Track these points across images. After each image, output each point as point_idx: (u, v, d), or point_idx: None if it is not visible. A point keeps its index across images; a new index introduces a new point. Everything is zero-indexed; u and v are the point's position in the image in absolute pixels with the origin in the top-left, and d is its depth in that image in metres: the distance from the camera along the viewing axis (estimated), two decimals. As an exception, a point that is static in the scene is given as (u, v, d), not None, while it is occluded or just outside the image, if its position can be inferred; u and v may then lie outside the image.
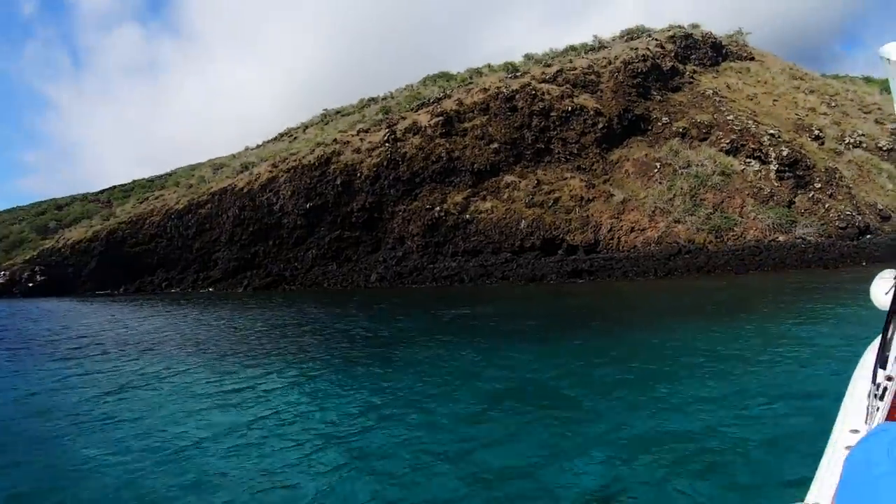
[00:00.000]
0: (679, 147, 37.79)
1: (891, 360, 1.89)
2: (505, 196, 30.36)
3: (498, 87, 32.61)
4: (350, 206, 29.51)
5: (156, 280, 32.24)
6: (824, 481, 1.74)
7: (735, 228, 34.62)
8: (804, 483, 1.71)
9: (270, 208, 29.95)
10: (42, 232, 36.40)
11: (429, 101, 32.11)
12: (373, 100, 36.37)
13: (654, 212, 34.15)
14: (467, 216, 29.41)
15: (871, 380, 1.94)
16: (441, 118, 31.05)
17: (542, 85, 33.82)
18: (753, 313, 14.48)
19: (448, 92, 32.68)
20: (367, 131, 30.89)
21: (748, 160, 38.60)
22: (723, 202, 36.01)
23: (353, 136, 30.81)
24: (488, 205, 29.83)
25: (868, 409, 1.94)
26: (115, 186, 38.00)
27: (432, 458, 5.89)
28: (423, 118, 31.31)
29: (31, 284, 37.00)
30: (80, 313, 25.41)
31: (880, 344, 1.97)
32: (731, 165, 38.11)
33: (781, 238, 34.46)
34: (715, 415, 6.59)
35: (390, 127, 30.55)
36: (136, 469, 6.11)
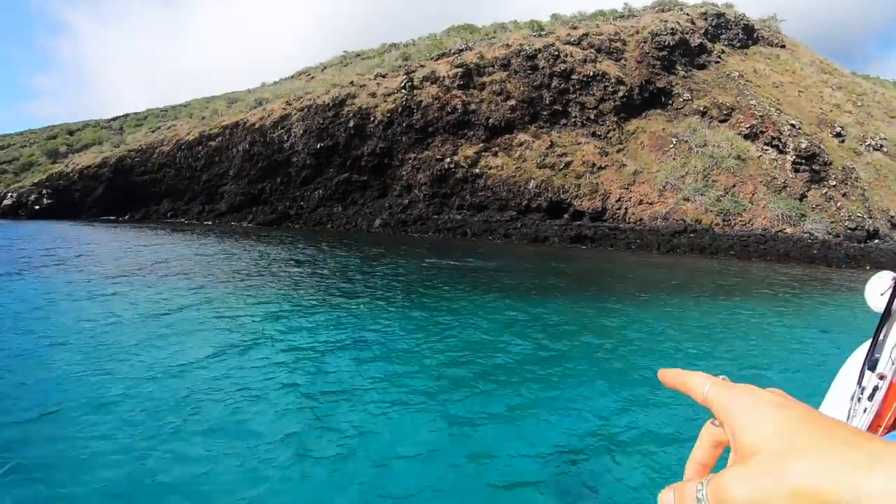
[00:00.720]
0: (698, 125, 37.22)
1: (882, 361, 1.78)
2: (517, 154, 30.09)
3: (521, 45, 31.92)
4: (361, 149, 29.31)
5: (161, 209, 32.37)
6: None
7: (744, 214, 34.39)
8: None
9: (281, 145, 29.78)
10: (52, 156, 36.29)
11: (450, 51, 31.52)
12: (394, 46, 35.61)
13: (664, 187, 33.87)
14: (477, 170, 29.22)
15: (856, 382, 1.82)
16: (460, 70, 30.52)
17: (566, 47, 33.09)
18: (746, 299, 14.23)
19: (470, 44, 32.02)
20: (384, 76, 30.42)
21: (766, 147, 38.05)
22: (735, 186, 35.67)
23: (370, 79, 30.38)
24: (499, 161, 29.60)
25: (850, 411, 1.77)
26: (128, 114, 37.67)
27: (405, 393, 6.21)
28: (443, 68, 30.78)
29: (37, 207, 37.15)
30: (90, 237, 25.68)
31: (871, 345, 1.90)
32: (748, 150, 37.60)
33: (789, 230, 34.25)
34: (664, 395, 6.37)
35: (408, 74, 30.08)
36: (129, 377, 6.39)
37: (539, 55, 32.38)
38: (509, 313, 10.68)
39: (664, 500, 0.48)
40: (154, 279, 13.36)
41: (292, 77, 35.45)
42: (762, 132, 39.00)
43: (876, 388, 1.61)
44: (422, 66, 31.09)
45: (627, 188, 32.60)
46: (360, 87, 30.01)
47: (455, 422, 5.57)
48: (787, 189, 36.98)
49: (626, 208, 32.17)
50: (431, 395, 6.25)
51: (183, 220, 31.75)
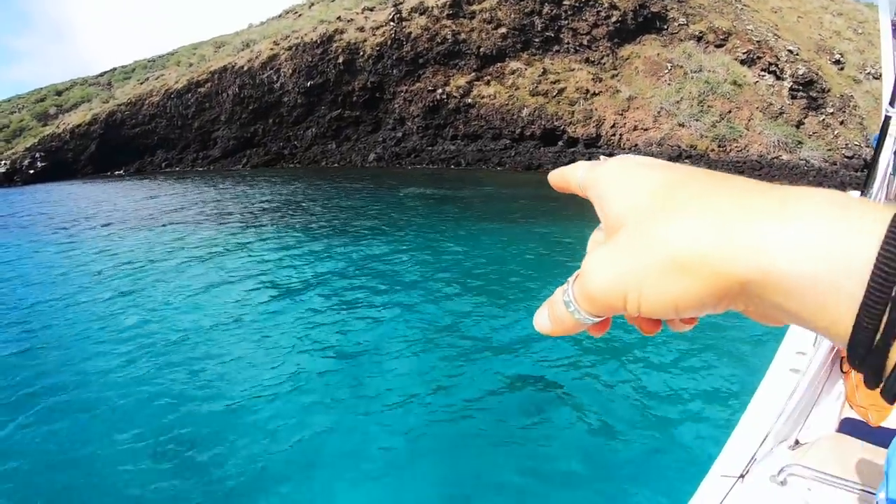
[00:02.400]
0: (693, 50, 36.52)
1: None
2: (509, 83, 29.75)
3: (509, -29, 31.02)
4: (351, 85, 29.01)
5: (156, 160, 32.34)
6: (765, 398, 1.75)
7: (739, 140, 34.20)
8: (745, 395, 1.66)
9: (271, 87, 29.48)
10: (43, 119, 35.95)
11: (436, -20, 30.68)
12: None
13: (659, 112, 33.60)
14: (469, 100, 28.98)
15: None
16: (448, -1, 29.84)
17: (556, -28, 32.14)
18: None
19: (457, -28, 31.12)
20: (372, 9, 29.77)
21: (762, 73, 37.42)
22: (730, 112, 35.32)
23: (357, 13, 29.74)
24: (491, 90, 29.30)
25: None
26: (115, 68, 37.03)
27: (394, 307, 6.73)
28: (430, -2, 30.09)
29: (31, 171, 36.99)
30: (81, 196, 25.88)
31: None
32: (744, 76, 37.00)
33: (785, 157, 34.11)
34: None
35: (396, 6, 29.42)
36: (145, 312, 6.68)
37: (528, -19, 31.53)
38: (489, 237, 11.02)
39: (539, 320, 0.38)
40: (167, 228, 13.66)
41: (280, 16, 34.70)
42: (759, 58, 38.29)
43: None
44: (409, -4, 30.38)
45: (622, 114, 32.35)
46: (348, 21, 29.42)
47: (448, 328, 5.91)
48: (784, 116, 36.62)
49: (620, 134, 32.03)
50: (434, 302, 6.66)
51: (178, 168, 31.80)
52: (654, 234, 0.31)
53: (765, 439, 1.65)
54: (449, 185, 20.76)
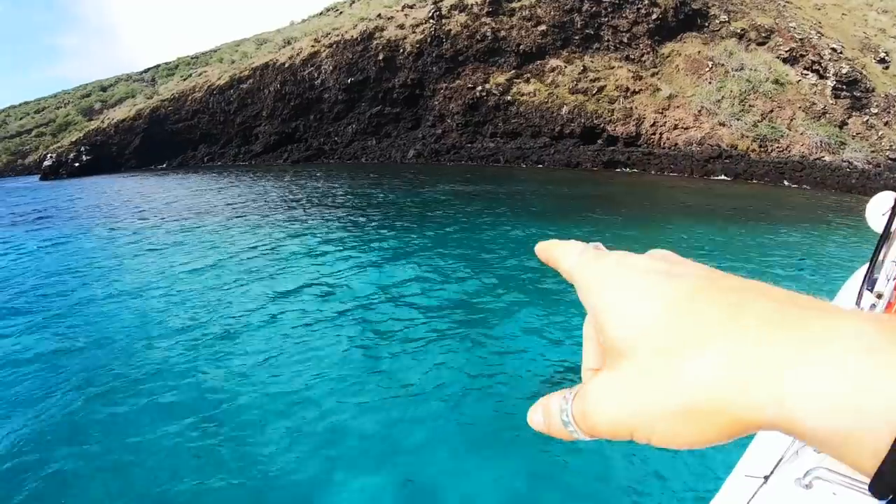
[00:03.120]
0: (734, 48, 35.78)
1: (880, 281, 1.76)
2: (549, 80, 29.60)
3: (549, -32, 30.85)
4: (392, 82, 29.24)
5: (198, 155, 33.10)
6: None
7: (781, 140, 33.41)
8: None
9: (312, 83, 29.90)
10: (88, 114, 37.20)
11: (477, -23, 30.72)
12: None
13: (699, 111, 33.02)
14: (509, 98, 28.93)
15: (854, 302, 1.83)
16: (488, -4, 29.82)
17: (597, -32, 31.84)
18: (772, 223, 13.55)
19: (497, -30, 31.07)
20: (412, 7, 29.96)
21: (805, 72, 36.47)
22: (772, 111, 34.55)
23: (397, 11, 29.96)
24: (531, 88, 29.20)
25: None
26: (159, 65, 38.10)
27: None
28: (470, -5, 30.11)
29: (76, 165, 38.18)
30: (129, 188, 26.67)
31: (869, 265, 1.82)
32: (787, 75, 36.11)
33: (827, 158, 33.21)
34: None
35: (436, 3, 29.55)
36: (187, 300, 6.85)
37: (568, -22, 31.30)
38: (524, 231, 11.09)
39: (533, 420, 0.36)
40: (217, 220, 14.08)
41: (321, 13, 35.18)
42: (802, 56, 37.37)
43: (873, 307, 1.66)
44: (449, -6, 30.46)
45: (662, 113, 31.91)
46: (388, 19, 29.66)
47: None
48: (827, 115, 35.64)
49: (660, 133, 31.59)
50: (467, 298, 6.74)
51: (219, 163, 32.49)
52: (668, 375, 0.28)
53: (791, 441, 1.59)
54: (487, 182, 20.82)
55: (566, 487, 3.68)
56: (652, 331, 0.29)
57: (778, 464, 1.55)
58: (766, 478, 1.54)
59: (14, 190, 34.61)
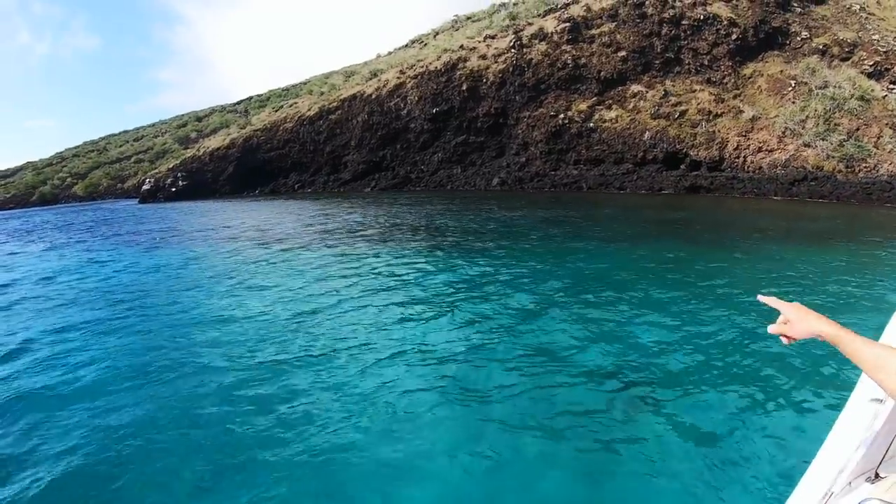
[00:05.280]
0: (817, 65, 34.98)
1: None
2: (630, 106, 29.99)
3: (628, -6, 31.30)
4: (475, 111, 30.37)
5: (289, 182, 35.27)
6: (844, 429, 1.70)
7: (868, 160, 32.41)
8: (826, 428, 1.77)
9: (398, 113, 31.41)
10: (184, 142, 40.31)
11: (556, 6, 31.52)
12: (503, 5, 35.95)
13: (783, 133, 32.51)
14: (591, 124, 29.50)
15: None
16: (568, 24, 30.53)
17: (675, -8, 32.02)
18: (853, 244, 13.06)
19: (576, -2, 31.80)
20: (493, 37, 31.03)
21: (891, 86, 35.24)
22: (858, 129, 33.58)
23: (479, 42, 31.10)
24: (613, 114, 29.67)
25: None
26: (251, 97, 40.87)
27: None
28: (550, 24, 30.91)
29: (173, 189, 41.28)
30: (228, 211, 28.79)
31: None
32: (872, 90, 34.97)
33: None
34: (732, 336, 6.63)
35: (517, 33, 30.51)
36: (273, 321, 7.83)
37: (647, 2, 31.64)
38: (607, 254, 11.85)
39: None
40: (314, 241, 15.43)
41: (405, 46, 36.81)
42: (887, 69, 36.21)
43: None
44: (529, 23, 31.36)
45: (745, 135, 31.68)
46: (471, 49, 30.84)
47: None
48: (916, 130, 34.27)
49: (744, 156, 31.36)
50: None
51: (309, 190, 34.52)
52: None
53: (841, 472, 1.58)
54: (573, 207, 21.49)
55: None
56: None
57: (829, 496, 1.56)
58: None
59: (121, 209, 37.87)
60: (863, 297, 8.26)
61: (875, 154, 32.52)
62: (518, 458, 4.31)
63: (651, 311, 7.74)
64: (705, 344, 6.49)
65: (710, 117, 30.71)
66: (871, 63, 35.83)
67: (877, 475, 1.63)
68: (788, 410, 4.89)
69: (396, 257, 12.45)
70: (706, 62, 31.74)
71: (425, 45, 33.98)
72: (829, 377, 5.51)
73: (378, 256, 12.65)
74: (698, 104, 30.74)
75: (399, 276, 10.59)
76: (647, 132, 29.68)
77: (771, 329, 1.46)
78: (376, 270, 11.23)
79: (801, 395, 5.14)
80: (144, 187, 43.16)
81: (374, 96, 31.95)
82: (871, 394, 1.78)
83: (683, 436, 4.55)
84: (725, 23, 32.63)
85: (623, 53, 30.64)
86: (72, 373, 6.52)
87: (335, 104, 32.82)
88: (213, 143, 38.34)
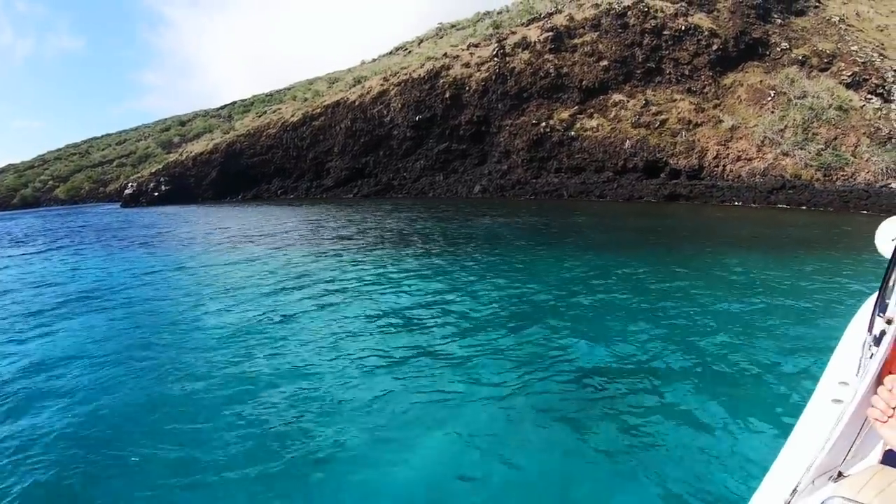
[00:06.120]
0: (796, 76, 35.49)
1: (891, 305, 1.80)
2: (611, 115, 30.23)
3: (610, 3, 31.59)
4: (458, 119, 30.44)
5: (272, 188, 35.10)
6: (806, 430, 1.73)
7: (846, 168, 32.92)
8: (787, 429, 1.78)
9: (381, 120, 31.41)
10: (167, 147, 40.04)
11: (540, 15, 31.70)
12: (487, 14, 36.12)
13: (762, 142, 32.93)
14: (573, 133, 29.69)
15: (867, 328, 1.86)
16: (551, 34, 30.74)
17: (656, 2, 32.38)
18: (829, 250, 13.11)
19: (559, 7, 31.99)
20: (476, 46, 31.16)
21: (869, 96, 35.86)
22: (836, 139, 34.11)
23: (463, 50, 31.21)
24: (594, 123, 29.89)
25: (861, 360, 1.84)
26: (235, 102, 40.71)
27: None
28: (533, 33, 31.10)
29: (156, 194, 40.91)
30: (212, 216, 28.59)
31: (880, 290, 1.88)
32: (850, 100, 35.55)
33: (894, 185, 32.52)
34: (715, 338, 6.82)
35: (500, 42, 30.65)
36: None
37: (629, 13, 31.94)
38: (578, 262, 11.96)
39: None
40: (297, 246, 15.39)
41: (390, 53, 36.81)
42: (865, 80, 36.85)
43: (883, 333, 1.67)
44: (513, 32, 31.52)
45: (725, 144, 32.04)
46: (454, 58, 30.94)
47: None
48: (893, 141, 34.92)
49: (723, 165, 31.72)
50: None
51: (292, 196, 34.38)
52: None
53: (806, 471, 1.63)
54: (554, 215, 21.68)
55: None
56: None
57: (793, 494, 1.59)
58: None
59: (105, 213, 37.42)
60: (835, 301, 8.36)
61: (853, 163, 33.02)
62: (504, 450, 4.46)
63: (630, 316, 7.89)
64: (678, 346, 6.67)
65: (691, 126, 31.03)
66: (849, 73, 36.42)
67: (840, 474, 1.66)
68: (754, 411, 4.99)
69: (380, 263, 12.54)
70: (687, 72, 32.09)
71: (409, 52, 34.02)
72: (791, 377, 5.65)
73: (362, 261, 12.73)
74: (678, 113, 31.06)
75: (383, 281, 10.67)
76: (628, 141, 29.92)
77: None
78: (362, 275, 11.32)
79: (764, 396, 5.25)
80: (127, 191, 42.77)
81: (357, 103, 31.93)
82: (832, 395, 1.80)
83: (654, 432, 4.70)
84: (706, 33, 33.03)
85: (605, 63, 30.89)
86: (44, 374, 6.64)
87: (319, 110, 32.76)
88: (197, 147, 38.09)
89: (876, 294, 1.78)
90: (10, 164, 56.33)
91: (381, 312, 8.53)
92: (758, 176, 32.03)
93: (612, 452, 4.46)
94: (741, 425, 4.75)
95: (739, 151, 31.92)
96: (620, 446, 4.55)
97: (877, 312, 1.74)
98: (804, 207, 28.48)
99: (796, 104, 34.52)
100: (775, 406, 5.09)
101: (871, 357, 1.64)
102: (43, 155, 54.14)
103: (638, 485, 4.03)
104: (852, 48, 38.00)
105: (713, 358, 6.26)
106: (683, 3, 33.22)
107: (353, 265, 12.32)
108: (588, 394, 5.52)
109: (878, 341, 1.66)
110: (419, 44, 34.30)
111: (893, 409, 1.45)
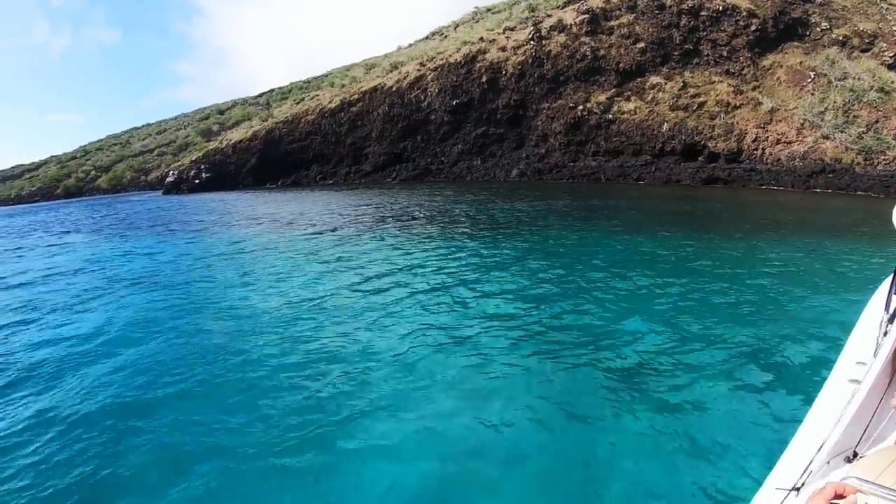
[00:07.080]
0: (837, 57, 34.89)
1: None
2: (649, 97, 30.26)
3: (647, -15, 31.46)
4: (495, 103, 30.81)
5: (311, 174, 35.99)
6: (822, 410, 1.72)
7: (888, 152, 32.36)
8: (805, 406, 1.80)
9: (418, 105, 31.95)
10: (206, 135, 41.17)
11: (575, -2, 31.80)
12: None
13: (802, 124, 32.55)
14: (610, 116, 29.83)
15: (883, 307, 1.85)
16: (587, 16, 30.81)
17: (694, -17, 32.10)
18: (870, 236, 12.73)
19: (594, -10, 31.95)
20: (512, 29, 31.40)
21: (912, 77, 35.05)
22: (877, 122, 33.50)
23: (499, 34, 31.48)
24: (632, 105, 29.97)
25: (878, 340, 1.81)
26: (273, 90, 41.61)
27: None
28: (569, 16, 31.21)
29: (197, 181, 42.14)
30: (255, 201, 29.39)
31: None
32: (892, 82, 34.82)
33: None
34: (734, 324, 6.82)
35: (536, 25, 30.84)
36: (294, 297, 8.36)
37: (666, -6, 31.79)
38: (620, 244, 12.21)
39: None
40: (347, 227, 15.94)
41: (426, 38, 37.25)
42: (908, 60, 35.91)
43: None
44: (548, 15, 31.67)
45: (764, 127, 31.80)
46: (490, 42, 31.23)
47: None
48: (937, 122, 34.12)
49: (762, 148, 31.51)
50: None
51: (330, 181, 35.23)
52: None
53: (820, 451, 1.62)
54: (593, 197, 21.95)
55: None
56: None
57: (807, 474, 1.57)
58: (797, 489, 1.57)
59: (148, 200, 38.73)
60: (871, 282, 8.29)
61: (894, 146, 32.48)
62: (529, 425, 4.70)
63: (666, 298, 8.11)
64: (719, 326, 6.84)
65: (729, 109, 30.86)
66: (891, 54, 35.64)
67: (855, 454, 1.66)
68: (762, 393, 5.05)
69: (424, 245, 13.06)
70: (725, 53, 31.85)
71: (445, 37, 34.36)
72: (809, 360, 5.72)
73: (406, 243, 13.26)
74: (717, 96, 30.91)
75: (426, 262, 11.16)
76: (666, 124, 29.95)
77: None
78: (407, 256, 11.87)
79: (776, 377, 5.34)
80: (168, 179, 44.11)
81: (394, 88, 32.50)
82: (849, 374, 1.81)
83: (672, 415, 4.76)
84: (745, 14, 32.68)
85: (642, 45, 30.86)
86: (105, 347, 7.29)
87: (356, 96, 33.42)
88: (236, 135, 39.14)
89: (893, 273, 1.78)
90: (52, 156, 58.68)
91: (436, 292, 8.89)
92: (797, 159, 31.74)
93: (649, 427, 4.66)
94: (756, 409, 4.77)
95: (779, 134, 31.66)
96: (655, 421, 4.70)
97: (893, 291, 1.74)
98: (843, 192, 28.23)
99: (837, 86, 33.98)
100: (792, 387, 5.15)
101: (885, 335, 1.63)
102: (84, 146, 56.13)
103: (663, 451, 4.17)
104: (894, 28, 37.09)
105: (750, 339, 6.31)
106: (721, -16, 32.85)
107: (396, 249, 12.74)
108: (623, 365, 5.74)
109: (893, 319, 1.65)
110: (455, 28, 34.60)
111: None
